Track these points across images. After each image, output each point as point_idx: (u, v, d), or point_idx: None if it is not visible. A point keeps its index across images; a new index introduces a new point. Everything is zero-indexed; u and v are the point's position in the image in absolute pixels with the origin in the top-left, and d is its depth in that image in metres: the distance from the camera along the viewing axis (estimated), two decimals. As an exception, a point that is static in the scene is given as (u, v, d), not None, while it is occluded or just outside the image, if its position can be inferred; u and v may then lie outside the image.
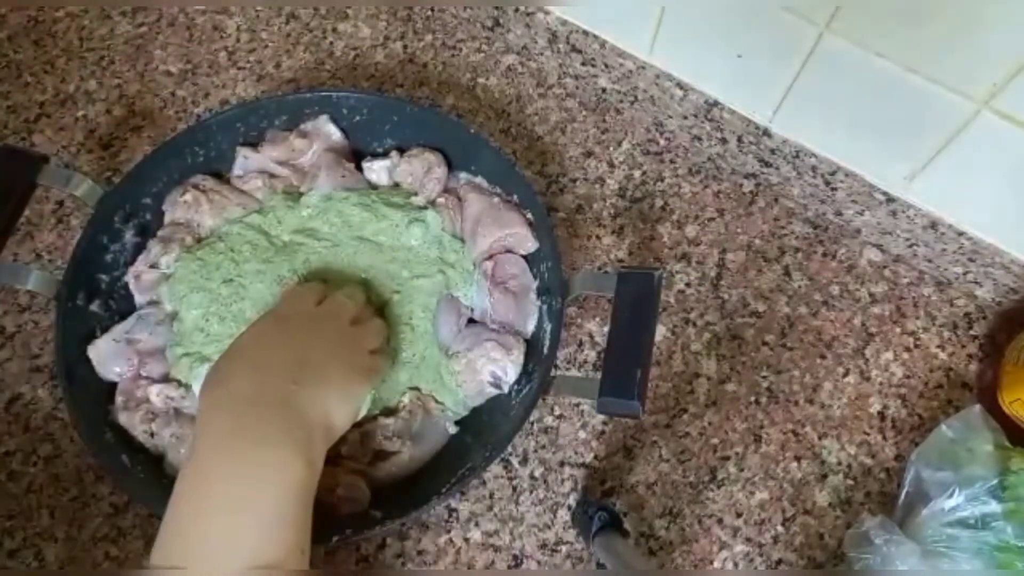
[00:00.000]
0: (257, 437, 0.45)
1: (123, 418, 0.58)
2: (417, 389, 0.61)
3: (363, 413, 0.54)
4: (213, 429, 0.46)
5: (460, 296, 0.63)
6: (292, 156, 0.67)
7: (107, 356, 0.59)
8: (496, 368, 0.60)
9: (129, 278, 0.63)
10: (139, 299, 0.63)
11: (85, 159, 0.75)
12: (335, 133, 0.67)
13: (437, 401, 0.61)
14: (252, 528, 0.43)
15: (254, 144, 0.67)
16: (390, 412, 0.59)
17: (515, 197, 0.65)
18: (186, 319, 0.60)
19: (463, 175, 0.68)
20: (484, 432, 0.60)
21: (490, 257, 0.64)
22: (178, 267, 0.62)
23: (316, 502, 0.51)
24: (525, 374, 0.61)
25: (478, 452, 0.58)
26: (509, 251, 0.65)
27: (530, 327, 0.63)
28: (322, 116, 0.67)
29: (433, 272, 0.63)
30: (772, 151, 0.70)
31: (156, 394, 0.58)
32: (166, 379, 0.59)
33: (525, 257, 0.65)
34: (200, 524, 0.43)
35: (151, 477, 0.56)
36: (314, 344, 0.52)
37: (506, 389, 0.61)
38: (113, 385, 0.59)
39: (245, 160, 0.67)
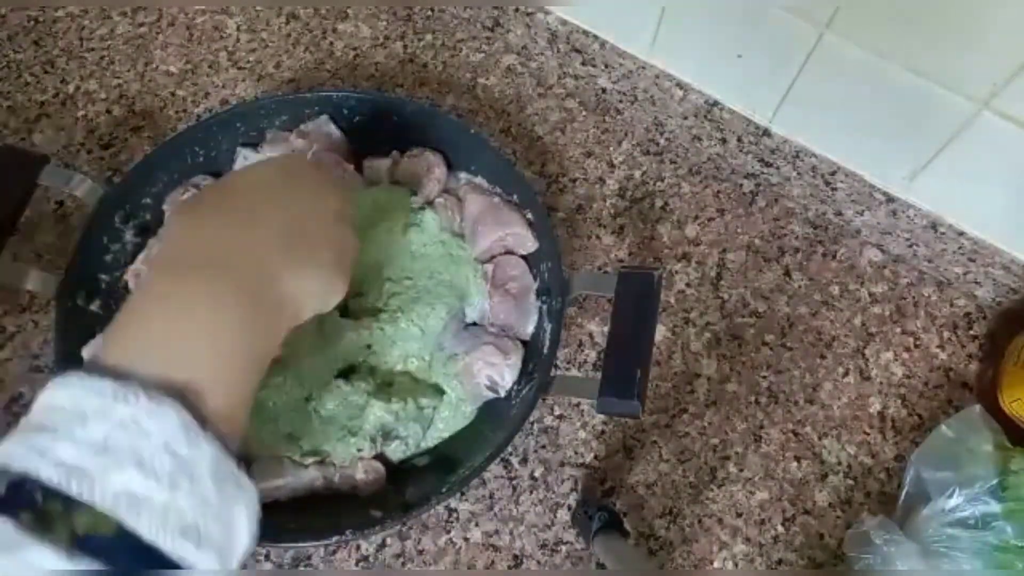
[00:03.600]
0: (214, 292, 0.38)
1: None
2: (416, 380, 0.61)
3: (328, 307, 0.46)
4: (173, 264, 0.40)
5: (467, 308, 0.63)
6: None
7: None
8: (493, 372, 0.60)
9: (129, 277, 0.63)
10: None
11: (85, 159, 0.75)
12: (335, 133, 0.67)
13: (427, 384, 0.61)
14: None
15: (254, 144, 0.67)
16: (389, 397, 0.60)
17: (515, 197, 0.65)
18: None
19: (463, 175, 0.68)
20: (483, 432, 0.60)
21: (490, 259, 0.64)
22: None
23: (338, 491, 0.52)
24: (525, 374, 0.61)
25: (478, 452, 0.58)
26: (509, 252, 0.65)
27: (530, 329, 0.63)
28: (322, 116, 0.67)
29: (443, 273, 0.63)
30: (772, 151, 0.70)
31: None
32: None
33: (525, 258, 0.65)
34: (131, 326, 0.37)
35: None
36: (313, 211, 0.44)
37: (503, 394, 0.61)
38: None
39: (245, 160, 0.67)
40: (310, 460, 0.57)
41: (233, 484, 0.35)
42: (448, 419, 0.61)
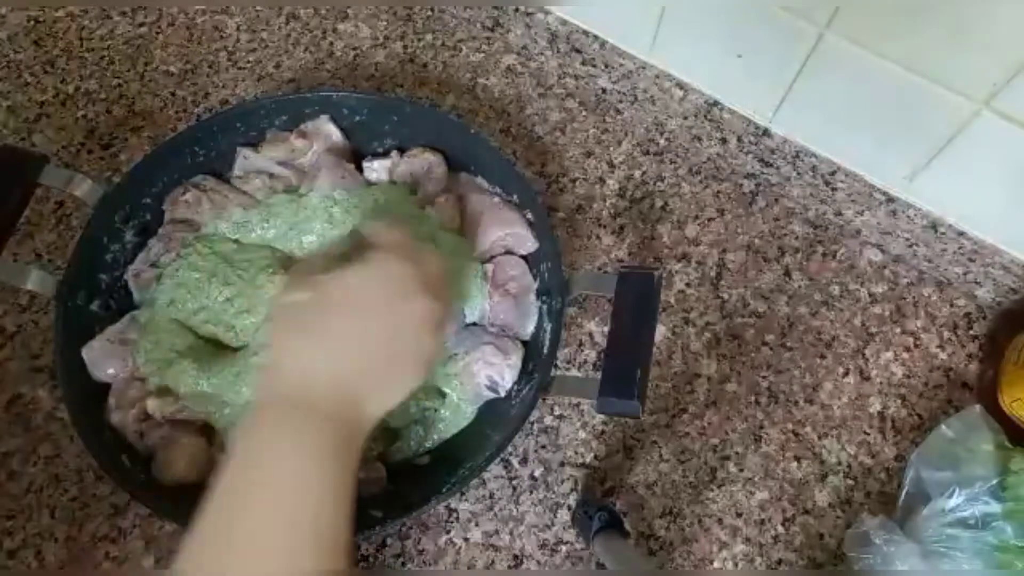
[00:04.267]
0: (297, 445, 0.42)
1: (115, 418, 0.57)
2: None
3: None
4: (255, 433, 0.43)
5: (467, 308, 0.63)
6: (292, 156, 0.66)
7: (100, 357, 0.58)
8: (493, 372, 0.60)
9: (129, 276, 0.63)
10: (138, 297, 0.63)
11: (85, 159, 0.75)
12: (335, 133, 0.67)
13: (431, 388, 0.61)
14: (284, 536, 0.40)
15: (254, 144, 0.67)
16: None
17: (515, 197, 0.65)
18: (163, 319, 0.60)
19: (463, 175, 0.68)
20: (483, 432, 0.60)
21: (490, 259, 0.64)
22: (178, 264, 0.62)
23: None
24: (525, 374, 0.61)
25: (478, 452, 0.58)
26: (509, 252, 0.65)
27: (530, 329, 0.63)
28: (322, 116, 0.67)
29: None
30: (772, 151, 0.70)
31: (153, 409, 0.57)
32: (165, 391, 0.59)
33: (525, 258, 0.65)
34: (227, 531, 0.40)
35: (151, 477, 0.56)
36: (389, 329, 0.45)
37: (503, 394, 0.61)
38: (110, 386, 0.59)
39: (245, 160, 0.67)
40: None
41: None
42: (449, 420, 0.61)
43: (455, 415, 0.61)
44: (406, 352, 0.46)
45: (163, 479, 0.56)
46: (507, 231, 0.63)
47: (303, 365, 0.44)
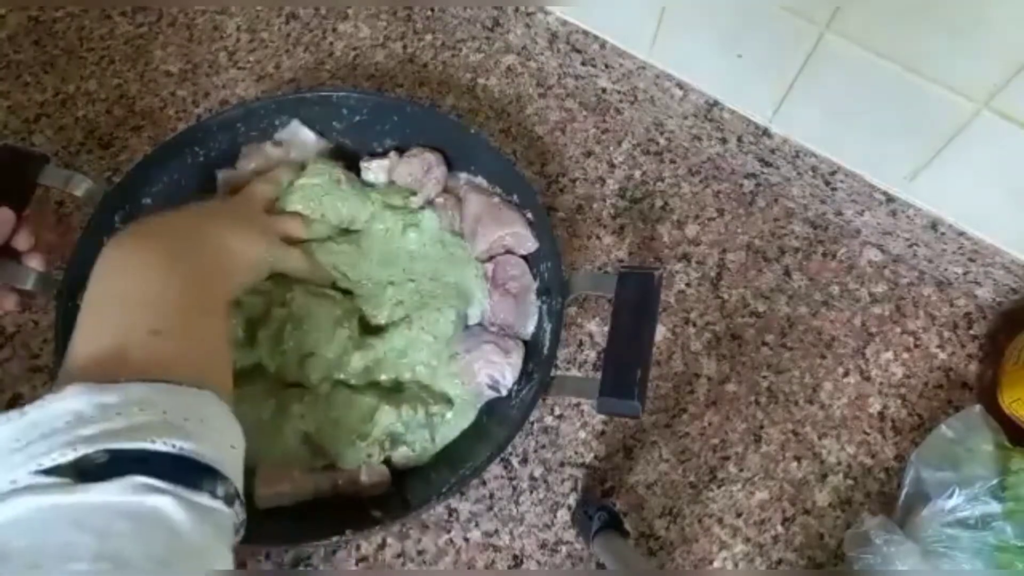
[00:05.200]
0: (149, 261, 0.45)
1: None
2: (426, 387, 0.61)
3: (263, 269, 0.56)
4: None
5: (471, 312, 0.63)
6: (270, 166, 0.66)
7: None
8: (494, 371, 0.60)
9: None
10: None
11: (85, 159, 0.75)
12: (310, 138, 0.67)
13: (438, 394, 0.61)
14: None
15: (231, 161, 0.67)
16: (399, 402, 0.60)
17: (515, 197, 0.65)
18: None
19: (463, 175, 0.68)
20: (484, 432, 0.60)
21: (490, 258, 0.64)
22: None
23: (343, 493, 0.53)
24: (525, 374, 0.61)
25: (478, 452, 0.58)
26: (509, 252, 0.65)
27: (530, 329, 0.63)
28: (293, 121, 0.67)
29: (446, 275, 0.63)
30: (772, 151, 0.70)
31: None
32: None
33: (525, 258, 0.65)
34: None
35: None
36: (205, 231, 0.53)
37: (504, 393, 0.60)
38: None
39: (225, 178, 0.66)
40: (319, 464, 0.57)
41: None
42: (452, 422, 0.60)
43: (458, 417, 0.61)
44: (256, 226, 0.58)
45: None
46: (507, 231, 0.63)
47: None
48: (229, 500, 0.36)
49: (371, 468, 0.57)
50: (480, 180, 0.67)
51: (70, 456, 0.33)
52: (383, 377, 0.60)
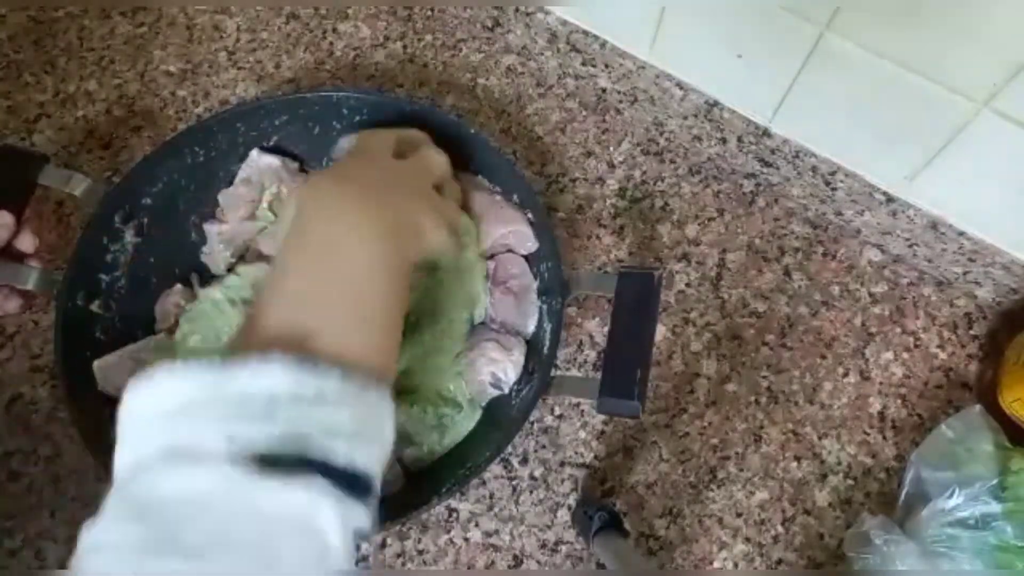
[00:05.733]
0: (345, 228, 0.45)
1: None
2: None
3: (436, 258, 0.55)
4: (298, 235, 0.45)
5: (477, 313, 0.63)
6: (254, 207, 0.66)
7: (112, 373, 0.58)
8: (496, 369, 0.60)
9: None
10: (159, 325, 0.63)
11: (85, 159, 0.75)
12: (273, 162, 0.66)
13: (449, 399, 0.61)
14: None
15: (230, 162, 0.67)
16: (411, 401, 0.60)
17: (515, 197, 0.65)
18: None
19: (463, 175, 0.68)
20: (484, 432, 0.60)
21: (491, 256, 0.64)
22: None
23: None
24: (526, 374, 0.61)
25: (478, 452, 0.58)
26: (510, 251, 0.65)
27: (531, 326, 0.63)
28: (251, 153, 0.67)
29: (453, 281, 0.63)
30: (772, 151, 0.70)
31: None
32: None
33: (526, 257, 0.65)
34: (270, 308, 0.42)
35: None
36: (397, 192, 0.51)
37: (507, 390, 0.61)
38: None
39: (221, 235, 0.65)
40: None
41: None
42: (460, 423, 0.61)
43: (465, 417, 0.61)
44: (419, 191, 0.53)
45: None
46: (509, 229, 0.63)
47: (330, 193, 0.47)
48: (371, 516, 0.38)
49: (388, 469, 0.57)
50: (480, 179, 0.67)
51: (261, 448, 0.34)
52: (403, 383, 0.60)
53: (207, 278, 0.65)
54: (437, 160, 0.58)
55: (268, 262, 0.64)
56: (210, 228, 0.66)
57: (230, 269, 0.65)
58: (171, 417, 0.35)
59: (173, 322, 0.62)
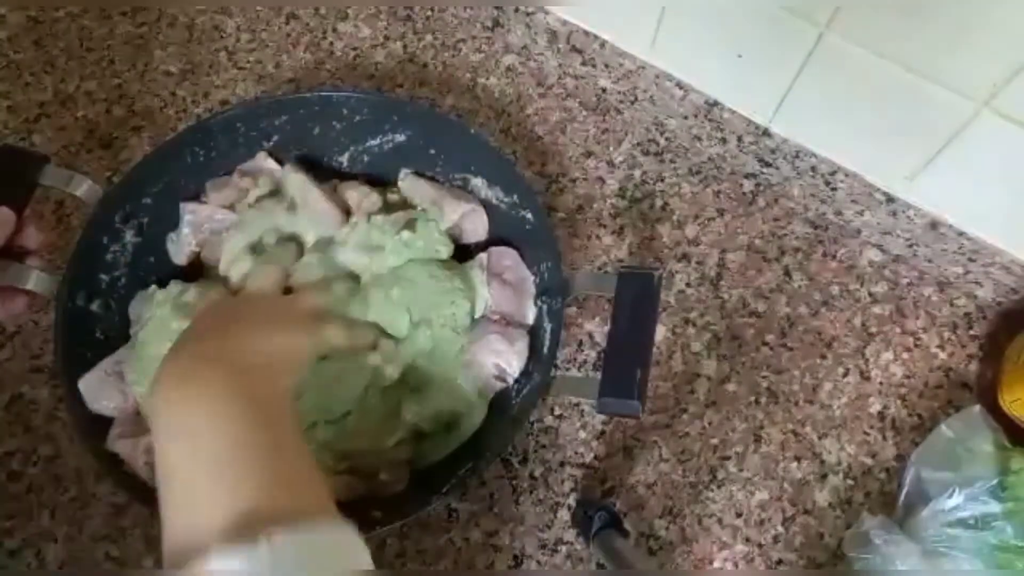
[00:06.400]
0: (186, 395, 0.42)
1: (121, 447, 0.56)
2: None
3: (312, 361, 0.53)
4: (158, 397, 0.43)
5: (478, 306, 0.63)
6: (239, 197, 0.65)
7: (97, 391, 0.57)
8: (500, 360, 0.60)
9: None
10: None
11: (85, 159, 0.75)
12: (276, 170, 0.66)
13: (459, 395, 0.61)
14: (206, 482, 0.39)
15: (232, 161, 0.66)
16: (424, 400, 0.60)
17: (515, 197, 0.65)
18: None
19: (403, 171, 0.68)
20: (484, 432, 0.60)
21: (484, 248, 0.64)
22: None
23: (357, 494, 0.53)
24: (525, 374, 0.61)
25: (478, 452, 0.58)
26: (501, 242, 0.65)
27: (530, 316, 0.63)
28: (260, 154, 0.67)
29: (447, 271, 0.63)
30: (772, 151, 0.70)
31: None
32: None
33: (518, 250, 0.65)
34: (165, 495, 0.40)
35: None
36: (242, 311, 0.52)
37: (511, 382, 0.61)
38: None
39: (193, 215, 0.65)
40: (342, 467, 0.57)
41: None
42: (468, 419, 0.60)
43: (473, 414, 0.61)
44: (292, 317, 0.54)
45: None
46: (471, 206, 0.65)
47: (171, 355, 0.46)
48: None
49: (393, 469, 0.57)
50: (480, 180, 0.67)
51: None
52: (412, 380, 0.61)
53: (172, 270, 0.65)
54: (312, 300, 0.58)
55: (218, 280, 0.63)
56: (184, 207, 0.65)
57: (190, 264, 0.65)
58: None
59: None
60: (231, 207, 0.65)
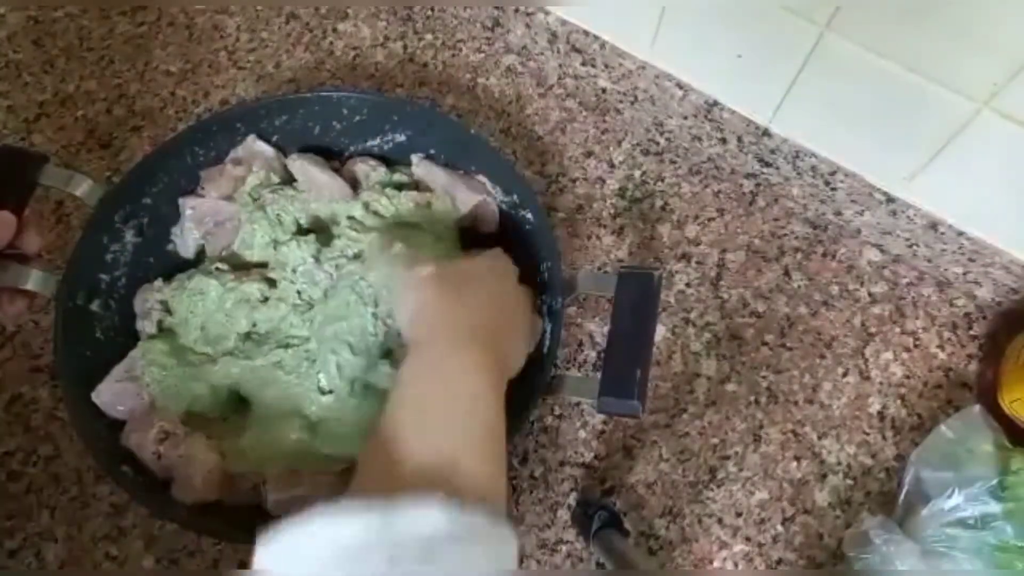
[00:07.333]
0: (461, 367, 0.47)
1: (133, 439, 0.56)
2: None
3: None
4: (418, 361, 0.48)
5: None
6: (236, 186, 0.65)
7: (114, 399, 0.57)
8: None
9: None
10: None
11: (85, 159, 0.75)
12: (268, 151, 0.66)
13: None
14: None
15: (192, 188, 0.66)
16: None
17: (515, 197, 0.65)
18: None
19: (414, 157, 0.68)
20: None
21: (491, 242, 0.65)
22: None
23: None
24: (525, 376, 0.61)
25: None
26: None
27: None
28: (249, 136, 0.66)
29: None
30: (772, 151, 0.70)
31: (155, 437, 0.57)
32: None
33: (528, 252, 0.65)
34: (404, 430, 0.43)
35: (151, 478, 0.56)
36: (503, 304, 0.54)
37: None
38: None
39: (192, 211, 0.65)
40: (338, 468, 0.57)
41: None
42: None
43: None
44: (518, 323, 0.55)
45: (185, 499, 0.55)
46: (482, 196, 0.65)
47: (448, 318, 0.50)
48: None
49: None
50: (481, 179, 0.67)
51: None
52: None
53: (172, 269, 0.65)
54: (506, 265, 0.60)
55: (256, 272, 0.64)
56: (184, 203, 0.65)
57: (200, 254, 0.65)
58: (338, 562, 0.35)
59: (157, 320, 0.62)
60: (230, 197, 0.65)
